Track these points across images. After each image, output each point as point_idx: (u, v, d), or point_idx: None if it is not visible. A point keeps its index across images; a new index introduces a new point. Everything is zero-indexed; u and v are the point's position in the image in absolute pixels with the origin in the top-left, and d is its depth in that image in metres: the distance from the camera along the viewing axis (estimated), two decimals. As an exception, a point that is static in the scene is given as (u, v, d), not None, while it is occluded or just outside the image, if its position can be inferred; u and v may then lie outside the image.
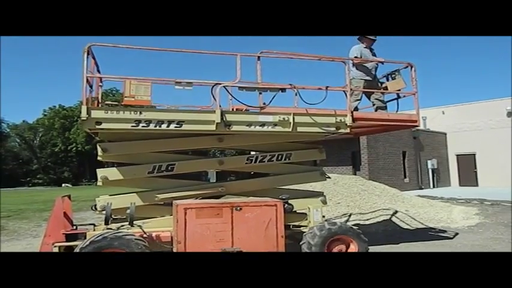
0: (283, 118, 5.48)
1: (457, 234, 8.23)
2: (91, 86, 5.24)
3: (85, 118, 4.70)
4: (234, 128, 5.31)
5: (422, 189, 21.96)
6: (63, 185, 46.83)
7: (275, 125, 5.47)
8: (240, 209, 4.93)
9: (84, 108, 4.70)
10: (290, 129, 5.50)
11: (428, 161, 23.63)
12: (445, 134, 26.24)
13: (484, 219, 10.20)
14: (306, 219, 5.76)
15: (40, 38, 73.20)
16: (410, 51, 75.98)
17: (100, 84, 5.67)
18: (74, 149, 47.87)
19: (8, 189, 37.89)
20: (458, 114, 25.83)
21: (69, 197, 5.70)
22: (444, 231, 8.55)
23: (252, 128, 5.41)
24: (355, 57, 6.70)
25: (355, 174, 19.24)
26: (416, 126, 6.47)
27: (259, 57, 5.51)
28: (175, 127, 5.06)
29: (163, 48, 5.57)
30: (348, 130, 5.83)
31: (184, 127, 5.10)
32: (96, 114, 4.78)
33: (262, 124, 5.43)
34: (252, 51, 5.61)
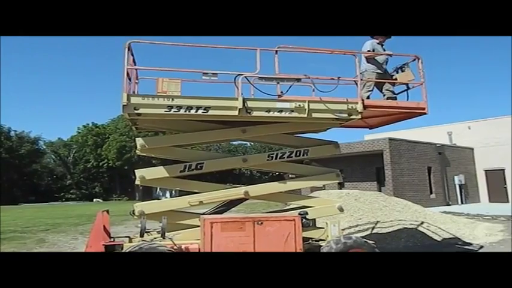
0: (299, 105, 5.92)
1: (481, 247, 8.31)
2: (130, 79, 5.89)
3: (125, 103, 5.34)
4: (255, 113, 5.79)
5: (449, 205, 21.58)
6: (94, 200, 48.45)
7: (292, 111, 5.91)
8: (261, 223, 5.35)
9: (124, 95, 5.36)
10: (305, 115, 5.91)
11: (456, 177, 23.22)
12: (472, 149, 25.76)
13: (508, 235, 10.13)
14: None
15: (77, 63, 76.93)
16: (435, 69, 74.87)
17: (136, 81, 6.34)
18: (105, 165, 49.52)
19: (44, 204, 39.70)
20: (485, 129, 25.35)
21: (107, 211, 6.27)
22: (464, 248, 8.63)
23: (271, 114, 5.86)
24: (368, 51, 7.15)
25: (379, 190, 19.22)
26: (425, 113, 6.75)
27: (276, 51, 6.02)
28: (203, 112, 5.60)
29: (194, 44, 6.31)
30: (359, 116, 6.21)
31: (211, 112, 5.63)
32: (134, 100, 5.43)
33: (280, 110, 5.88)
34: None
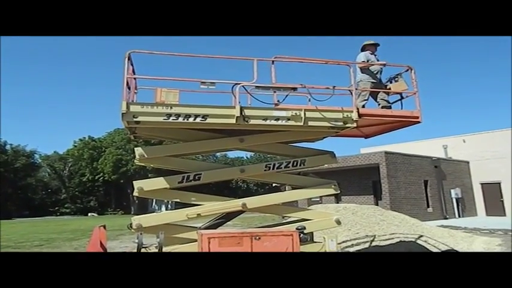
0: (295, 113, 5.96)
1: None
2: (129, 89, 5.91)
3: (124, 111, 5.33)
4: (252, 121, 5.81)
5: (446, 219, 21.56)
6: (89, 214, 48.00)
7: (288, 119, 5.95)
8: (259, 238, 5.30)
9: (124, 103, 5.35)
10: (302, 123, 5.95)
11: (452, 190, 23.27)
12: (468, 162, 25.90)
13: (506, 250, 10.10)
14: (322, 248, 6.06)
15: (73, 75, 77.17)
16: (429, 82, 75.76)
17: (135, 91, 6.37)
18: (101, 178, 49.21)
19: (38, 219, 39.24)
20: (480, 142, 25.54)
21: (104, 226, 6.21)
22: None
23: (268, 122, 5.90)
24: (363, 61, 7.28)
25: (377, 204, 19.20)
26: (419, 122, 6.83)
27: (273, 61, 6.09)
28: (201, 120, 5.61)
29: (192, 54, 6.42)
30: (354, 125, 6.24)
31: (209, 120, 5.64)
32: (133, 108, 5.43)
33: (277, 118, 5.92)
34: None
